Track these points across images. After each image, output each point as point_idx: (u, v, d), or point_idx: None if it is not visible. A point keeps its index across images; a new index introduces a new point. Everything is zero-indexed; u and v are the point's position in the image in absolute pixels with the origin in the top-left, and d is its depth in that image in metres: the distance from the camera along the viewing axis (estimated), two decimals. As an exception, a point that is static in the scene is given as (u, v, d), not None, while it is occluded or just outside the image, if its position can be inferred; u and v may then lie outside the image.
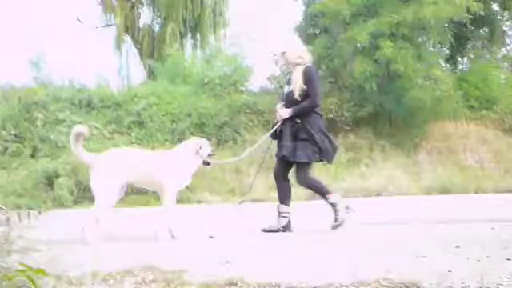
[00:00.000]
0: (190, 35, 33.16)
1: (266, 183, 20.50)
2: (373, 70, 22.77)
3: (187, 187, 9.21)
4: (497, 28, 31.18)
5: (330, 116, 23.93)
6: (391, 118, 24.46)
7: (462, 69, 31.07)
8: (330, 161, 9.24)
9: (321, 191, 9.11)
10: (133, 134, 22.94)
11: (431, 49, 26.24)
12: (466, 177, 20.86)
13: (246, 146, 22.30)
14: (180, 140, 22.51)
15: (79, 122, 22.77)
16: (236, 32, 29.50)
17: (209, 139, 21.88)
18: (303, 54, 9.35)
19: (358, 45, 23.39)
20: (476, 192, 19.35)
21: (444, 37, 24.93)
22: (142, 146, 21.44)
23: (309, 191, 9.64)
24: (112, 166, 8.11)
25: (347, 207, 9.03)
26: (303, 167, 9.08)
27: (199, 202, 19.07)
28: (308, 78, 9.05)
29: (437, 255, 6.02)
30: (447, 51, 29.30)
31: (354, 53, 23.62)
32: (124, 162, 8.25)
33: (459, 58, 31.44)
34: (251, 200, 18.74)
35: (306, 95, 9.03)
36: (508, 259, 5.61)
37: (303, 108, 9.05)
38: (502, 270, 5.06)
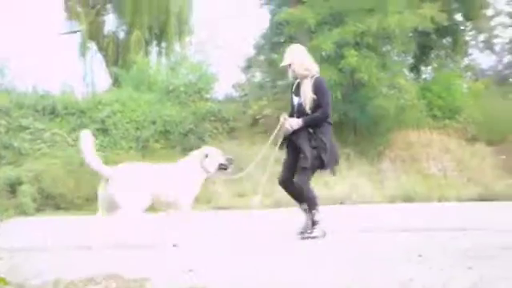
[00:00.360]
0: (155, 42, 33.09)
1: (230, 191, 20.56)
2: (337, 79, 22.84)
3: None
4: (460, 38, 31.51)
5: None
6: (355, 127, 24.56)
7: (425, 78, 31.31)
8: (333, 171, 9.63)
9: (313, 202, 9.29)
10: (97, 142, 22.64)
11: (395, 58, 26.41)
12: (429, 185, 20.97)
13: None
14: (144, 147, 22.52)
15: (42, 129, 22.67)
16: (201, 39, 29.59)
17: (173, 147, 22.06)
18: (310, 66, 9.56)
19: (323, 53, 23.45)
20: (439, 200, 19.47)
21: (408, 46, 25.15)
22: (105, 153, 21.30)
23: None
24: (132, 179, 8.19)
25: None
26: (308, 172, 9.28)
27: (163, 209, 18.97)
28: (318, 89, 9.27)
29: (399, 263, 6.06)
30: (411, 60, 29.57)
31: (319, 61, 23.64)
32: (142, 175, 8.33)
33: (423, 68, 31.71)
34: (217, 208, 18.76)
35: (316, 106, 9.21)
36: (470, 268, 5.66)
37: (315, 118, 9.22)
38: (464, 279, 5.10)
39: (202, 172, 8.78)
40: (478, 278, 4.88)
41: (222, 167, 8.95)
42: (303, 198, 9.33)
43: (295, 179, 9.32)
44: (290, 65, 9.65)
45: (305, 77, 9.42)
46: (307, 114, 9.22)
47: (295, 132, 9.25)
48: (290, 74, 9.67)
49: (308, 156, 9.09)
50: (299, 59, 9.70)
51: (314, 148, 9.13)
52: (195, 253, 7.35)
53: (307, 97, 9.24)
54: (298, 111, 9.36)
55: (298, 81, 9.61)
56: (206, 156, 8.84)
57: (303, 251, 7.41)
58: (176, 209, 8.60)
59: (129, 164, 8.80)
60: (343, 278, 5.17)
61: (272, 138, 9.78)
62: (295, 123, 9.22)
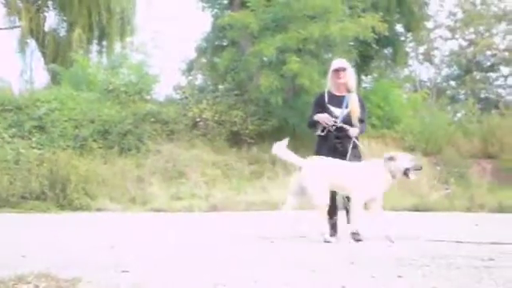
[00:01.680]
0: (96, 42, 32.84)
1: (167, 193, 20.48)
2: (279, 85, 22.94)
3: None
4: (400, 49, 31.91)
5: (235, 129, 24.04)
6: (295, 133, 24.62)
7: (365, 87, 31.59)
8: None
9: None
10: (34, 139, 22.44)
11: (336, 66, 26.57)
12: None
13: (150, 155, 22.19)
14: (82, 146, 22.29)
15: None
16: (143, 40, 29.42)
17: (111, 147, 21.89)
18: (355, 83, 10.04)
19: (265, 59, 23.54)
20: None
21: (349, 55, 25.31)
22: (42, 151, 21.05)
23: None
24: (320, 171, 9.07)
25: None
26: None
27: (99, 209, 18.83)
28: (362, 105, 9.91)
29: (332, 271, 6.10)
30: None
31: (261, 67, 23.76)
32: (327, 167, 9.18)
33: (363, 77, 31.99)
34: (154, 210, 18.67)
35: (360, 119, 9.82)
36: (400, 277, 5.72)
37: (362, 130, 9.95)
38: (394, 287, 5.16)
39: (387, 174, 9.24)
40: (409, 287, 4.92)
41: (407, 172, 9.24)
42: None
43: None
44: (344, 69, 9.84)
45: (350, 90, 9.80)
46: (352, 125, 9.71)
47: (342, 139, 9.69)
48: (337, 82, 9.82)
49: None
50: (352, 72, 10.07)
51: (356, 156, 9.66)
52: (131, 254, 7.29)
53: (356, 109, 9.75)
54: (345, 121, 9.68)
55: (333, 93, 9.87)
56: (392, 159, 9.24)
57: (236, 254, 7.40)
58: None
59: (318, 157, 9.48)
60: (277, 283, 5.18)
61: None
62: (353, 131, 9.69)
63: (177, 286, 5.11)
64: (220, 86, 25.73)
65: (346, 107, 9.71)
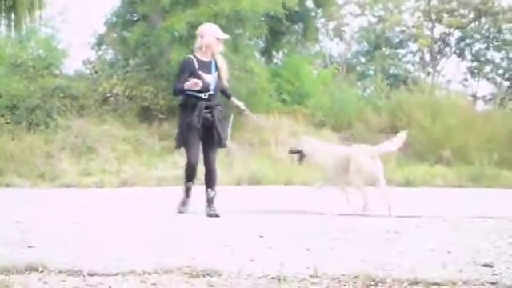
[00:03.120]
0: (4, 15, 32.12)
1: (77, 169, 20.26)
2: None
3: None
4: (311, 24, 32.07)
5: (146, 104, 23.85)
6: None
7: (276, 63, 31.75)
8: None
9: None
10: None
11: (247, 41, 26.64)
12: (277, 169, 21.25)
13: (59, 130, 21.88)
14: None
15: None
16: (52, 14, 28.85)
17: (19, 122, 21.51)
18: None
19: (176, 34, 23.38)
20: (285, 184, 19.76)
21: (260, 30, 25.41)
22: None
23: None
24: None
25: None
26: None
27: (7, 185, 18.53)
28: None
29: (240, 244, 6.16)
30: (263, 45, 29.90)
31: (172, 41, 23.59)
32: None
33: (274, 53, 32.12)
34: (63, 185, 18.47)
35: None
36: (308, 250, 5.81)
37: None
38: (301, 259, 5.24)
39: None
40: (317, 259, 5.01)
41: None
42: (215, 178, 9.69)
43: (211, 161, 9.70)
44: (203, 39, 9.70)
45: (217, 53, 9.68)
46: (222, 91, 9.87)
47: (211, 109, 9.46)
48: (207, 51, 9.64)
49: (223, 137, 9.54)
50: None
51: (224, 129, 9.61)
52: (38, 230, 7.22)
53: (226, 73, 9.77)
54: (215, 88, 9.57)
55: (201, 59, 9.59)
56: None
57: (150, 229, 7.41)
58: None
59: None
60: (184, 257, 5.21)
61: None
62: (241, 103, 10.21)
63: (83, 261, 5.09)
64: (131, 61, 25.45)
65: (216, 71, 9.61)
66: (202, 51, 9.61)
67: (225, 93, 10.04)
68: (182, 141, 9.50)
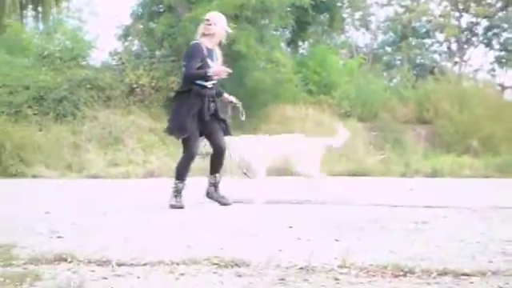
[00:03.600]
0: (31, 7, 32.28)
1: (104, 159, 20.36)
2: (215, 51, 22.87)
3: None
4: (337, 14, 32.03)
5: (172, 95, 23.86)
6: (232, 98, 24.64)
7: (302, 53, 31.71)
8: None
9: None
10: (-33, 105, 22.11)
11: (273, 32, 26.62)
12: (303, 159, 21.19)
13: (86, 121, 21.99)
14: (16, 113, 21.96)
15: None
16: (79, 5, 29.03)
17: (46, 113, 21.61)
18: None
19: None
20: (311, 174, 19.71)
21: (286, 21, 25.39)
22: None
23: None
24: None
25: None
26: None
27: (35, 176, 18.64)
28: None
29: (269, 235, 6.16)
30: (289, 35, 29.87)
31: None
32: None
33: (300, 43, 32.09)
34: (90, 176, 18.55)
35: None
36: (337, 240, 5.80)
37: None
38: (329, 249, 5.22)
39: None
40: (344, 250, 4.99)
41: None
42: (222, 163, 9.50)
43: (224, 142, 9.43)
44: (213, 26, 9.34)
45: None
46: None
47: (214, 99, 9.32)
48: (214, 39, 9.39)
49: (229, 125, 9.55)
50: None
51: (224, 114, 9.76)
52: (66, 220, 7.25)
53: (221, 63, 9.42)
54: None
55: (207, 46, 9.24)
56: None
57: (172, 219, 7.41)
58: None
59: None
60: (212, 248, 5.21)
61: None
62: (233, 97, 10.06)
63: (111, 251, 5.10)
64: (157, 52, 25.47)
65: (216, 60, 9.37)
66: (209, 38, 9.30)
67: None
68: (187, 131, 8.97)
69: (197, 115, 9.02)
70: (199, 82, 9.01)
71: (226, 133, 9.44)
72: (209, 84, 9.07)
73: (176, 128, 9.16)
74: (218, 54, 9.42)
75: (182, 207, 8.88)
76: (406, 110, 27.20)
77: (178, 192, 9.01)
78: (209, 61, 9.08)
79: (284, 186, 10.29)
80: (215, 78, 9.08)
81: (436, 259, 4.85)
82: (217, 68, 9.05)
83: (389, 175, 19.74)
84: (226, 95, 9.86)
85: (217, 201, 9.32)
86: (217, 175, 9.41)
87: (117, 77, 24.68)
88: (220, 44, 9.57)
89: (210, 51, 9.22)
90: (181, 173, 9.15)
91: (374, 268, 4.53)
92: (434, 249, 5.39)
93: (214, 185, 9.41)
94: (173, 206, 8.89)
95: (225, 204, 9.21)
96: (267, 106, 24.83)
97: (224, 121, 9.40)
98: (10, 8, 29.72)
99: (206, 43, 9.23)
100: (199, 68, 9.00)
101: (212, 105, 9.15)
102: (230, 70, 9.12)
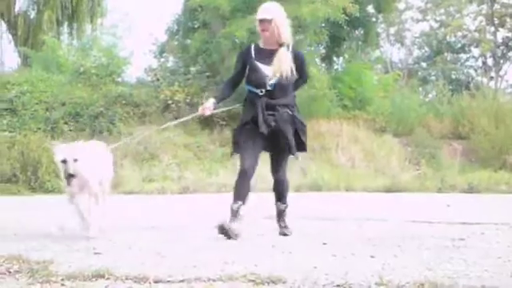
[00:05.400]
0: (66, 23, 32.60)
1: (139, 175, 20.45)
2: (250, 66, 22.91)
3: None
4: (371, 30, 31.93)
5: (207, 111, 23.95)
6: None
7: (337, 69, 31.69)
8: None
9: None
10: (4, 122, 22.32)
11: (308, 48, 26.62)
12: (337, 175, 21.21)
13: (121, 137, 22.10)
14: (53, 129, 22.17)
15: None
16: (114, 22, 29.25)
17: (82, 130, 21.78)
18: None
19: (237, 40, 23.48)
20: (346, 190, 19.70)
21: (320, 36, 25.40)
22: (13, 133, 20.97)
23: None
24: None
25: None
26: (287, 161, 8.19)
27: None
28: (300, 61, 7.84)
29: (304, 251, 6.14)
30: (323, 51, 29.86)
31: (233, 48, 23.68)
32: None
33: (335, 58, 32.07)
34: (126, 192, 18.62)
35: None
36: (373, 257, 5.76)
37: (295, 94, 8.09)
38: (366, 267, 5.19)
39: None
40: (380, 267, 4.96)
41: None
42: (283, 191, 8.16)
43: (281, 172, 7.98)
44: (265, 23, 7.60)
45: (281, 44, 7.65)
46: (286, 89, 7.68)
47: (273, 109, 7.57)
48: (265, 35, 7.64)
49: (291, 143, 7.63)
50: (282, 20, 7.78)
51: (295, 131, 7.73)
52: (104, 237, 7.28)
53: (283, 67, 7.54)
54: (276, 83, 7.58)
55: (261, 46, 7.78)
56: None
57: (205, 236, 7.41)
58: None
59: None
60: (248, 264, 5.21)
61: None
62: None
63: (148, 267, 5.12)
64: (192, 68, 25.60)
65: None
66: (261, 39, 7.84)
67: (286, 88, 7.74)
68: (235, 143, 7.87)
69: (251, 126, 7.58)
70: (252, 88, 7.68)
71: (289, 151, 7.78)
72: (259, 91, 7.54)
73: (232, 140, 8.05)
74: (278, 54, 7.64)
75: (228, 235, 7.24)
76: (442, 126, 27.08)
77: (232, 214, 7.46)
78: (258, 63, 7.62)
79: (315, 201, 10.26)
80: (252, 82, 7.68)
81: (473, 276, 4.81)
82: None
83: (424, 191, 19.64)
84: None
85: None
86: (278, 203, 8.10)
87: (152, 93, 24.86)
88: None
89: (263, 52, 7.73)
90: (234, 191, 7.64)
91: (411, 286, 4.49)
92: (471, 266, 5.34)
93: (277, 213, 8.15)
94: (220, 229, 7.27)
95: (284, 234, 7.84)
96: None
97: (285, 137, 7.59)
98: (47, 25, 30.05)
99: (260, 44, 7.89)
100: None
101: (271, 117, 7.49)
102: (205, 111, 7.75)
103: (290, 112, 7.66)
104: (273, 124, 7.51)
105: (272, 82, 7.52)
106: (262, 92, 7.54)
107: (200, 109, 7.79)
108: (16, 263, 5.25)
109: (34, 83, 23.95)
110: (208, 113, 7.76)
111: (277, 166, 7.97)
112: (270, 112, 7.52)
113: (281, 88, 7.57)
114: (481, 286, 4.46)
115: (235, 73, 7.87)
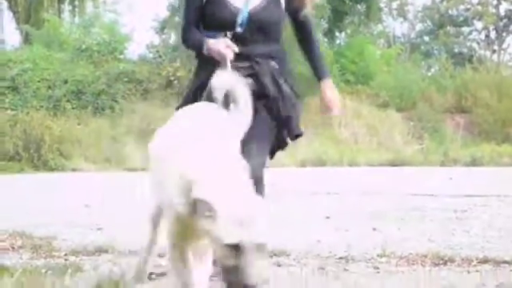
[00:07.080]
0: (67, 1, 32.46)
1: (142, 152, 20.40)
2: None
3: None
4: (374, 4, 31.76)
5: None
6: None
7: (339, 43, 31.56)
8: None
9: None
10: (7, 100, 22.28)
11: (310, 22, 26.51)
12: (341, 150, 21.19)
13: (124, 114, 22.08)
14: (55, 107, 22.14)
15: None
16: (115, -1, 29.15)
17: (85, 107, 21.77)
18: None
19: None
20: (350, 165, 19.70)
21: (323, 11, 25.27)
22: (16, 112, 20.95)
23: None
24: None
25: None
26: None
27: (74, 169, 18.77)
28: None
29: (307, 225, 6.15)
30: (325, 25, 29.73)
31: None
32: None
33: (337, 33, 31.92)
34: (129, 169, 18.62)
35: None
36: (375, 229, 5.78)
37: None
38: (368, 239, 5.21)
39: None
40: (383, 239, 4.98)
41: None
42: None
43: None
44: None
45: None
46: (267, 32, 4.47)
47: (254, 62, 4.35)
48: None
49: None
50: None
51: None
52: (105, 213, 7.30)
53: None
54: (254, 24, 4.33)
55: None
56: None
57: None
58: None
59: None
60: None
61: None
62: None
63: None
64: (194, 44, 25.52)
65: None
66: None
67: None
68: None
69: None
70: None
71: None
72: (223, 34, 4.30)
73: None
74: None
75: None
76: (444, 100, 26.98)
77: None
78: None
79: (318, 176, 10.25)
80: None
81: (476, 247, 4.82)
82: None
83: (428, 165, 19.65)
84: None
85: None
86: None
87: (154, 70, 24.77)
88: None
89: None
90: None
91: (414, 257, 4.51)
92: (473, 237, 5.36)
93: None
94: None
95: None
96: (305, 97, 24.73)
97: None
98: (48, 3, 29.93)
99: None
100: None
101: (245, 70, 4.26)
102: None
103: (277, 67, 4.53)
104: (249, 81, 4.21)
105: (244, 18, 4.30)
106: (228, 36, 4.30)
107: (222, 48, 4.15)
108: (19, 239, 5.28)
109: (35, 61, 23.85)
110: (231, 54, 4.12)
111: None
112: (245, 63, 4.33)
113: (259, 29, 4.38)
114: (483, 256, 4.48)
115: (193, 12, 4.50)
